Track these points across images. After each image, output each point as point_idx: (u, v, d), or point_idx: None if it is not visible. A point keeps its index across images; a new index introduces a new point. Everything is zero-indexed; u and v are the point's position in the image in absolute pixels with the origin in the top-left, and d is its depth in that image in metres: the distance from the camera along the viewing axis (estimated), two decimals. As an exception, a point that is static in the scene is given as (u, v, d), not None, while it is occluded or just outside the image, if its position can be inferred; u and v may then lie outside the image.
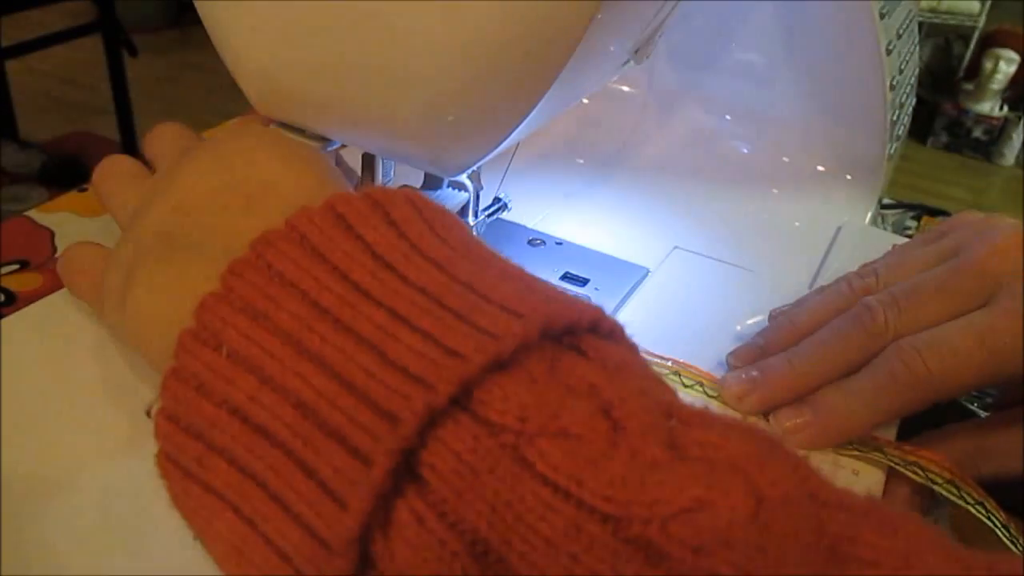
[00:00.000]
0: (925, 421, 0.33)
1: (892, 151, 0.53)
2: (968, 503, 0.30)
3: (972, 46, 2.88)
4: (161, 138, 0.33)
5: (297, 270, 0.21)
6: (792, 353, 0.34)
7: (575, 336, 0.20)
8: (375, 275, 0.20)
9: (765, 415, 0.34)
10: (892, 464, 0.32)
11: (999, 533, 0.30)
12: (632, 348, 0.22)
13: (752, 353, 0.36)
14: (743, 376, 0.34)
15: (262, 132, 0.30)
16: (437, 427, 0.18)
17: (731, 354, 0.36)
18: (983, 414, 0.39)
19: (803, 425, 0.32)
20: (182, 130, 0.34)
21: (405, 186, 0.25)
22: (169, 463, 0.21)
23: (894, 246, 0.40)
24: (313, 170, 0.27)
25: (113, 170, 0.33)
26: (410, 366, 0.18)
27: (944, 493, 0.31)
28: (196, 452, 0.20)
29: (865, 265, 0.38)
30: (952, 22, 2.81)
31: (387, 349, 0.19)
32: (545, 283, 0.22)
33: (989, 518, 0.30)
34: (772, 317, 0.38)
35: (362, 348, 0.19)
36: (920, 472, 0.31)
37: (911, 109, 0.56)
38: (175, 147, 0.32)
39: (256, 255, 0.21)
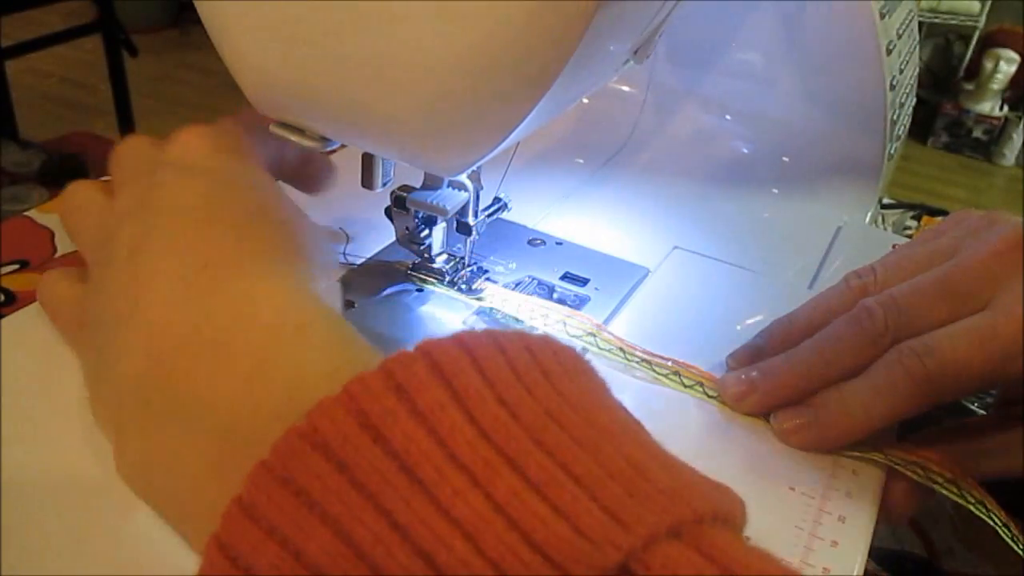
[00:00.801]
0: (924, 419, 0.33)
1: (892, 151, 0.53)
2: (969, 502, 0.30)
3: (972, 46, 2.88)
4: (123, 158, 0.32)
5: (325, 491, 0.18)
6: (792, 354, 0.34)
7: None
8: (408, 502, 0.18)
9: (765, 416, 0.34)
10: (892, 464, 0.32)
11: (1000, 532, 0.30)
12: (698, 524, 0.18)
13: (751, 354, 0.36)
14: (743, 377, 0.34)
15: (221, 208, 0.28)
16: None
17: (730, 356, 0.36)
18: (983, 413, 0.39)
19: (803, 426, 0.32)
20: (146, 147, 0.32)
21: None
22: None
23: (894, 246, 0.40)
24: (277, 281, 0.25)
25: (75, 202, 0.32)
26: None
27: (945, 493, 0.31)
28: None
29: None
30: (952, 22, 2.81)
31: None
32: (598, 470, 0.19)
33: (990, 517, 0.30)
34: (773, 322, 0.38)
35: None
36: (921, 472, 0.31)
37: (911, 109, 0.56)
38: (136, 168, 0.30)
39: (280, 463, 0.19)
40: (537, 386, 0.20)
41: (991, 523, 0.30)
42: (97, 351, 0.27)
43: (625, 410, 0.22)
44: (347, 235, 0.42)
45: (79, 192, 0.32)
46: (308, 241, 0.29)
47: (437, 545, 0.17)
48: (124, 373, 0.25)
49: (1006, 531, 0.30)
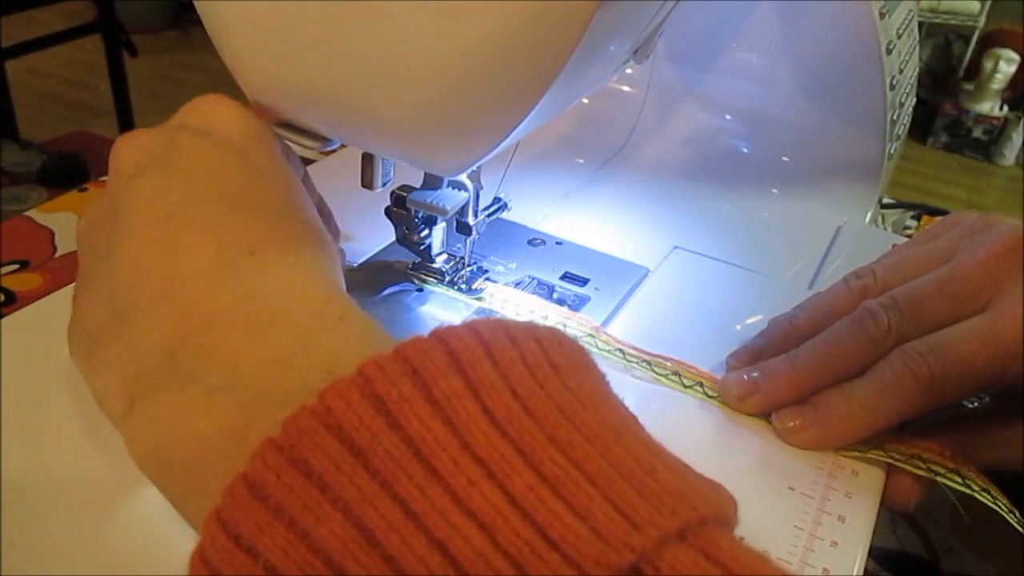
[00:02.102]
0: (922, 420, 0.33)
1: (892, 151, 0.53)
2: (974, 490, 0.30)
3: (972, 46, 2.88)
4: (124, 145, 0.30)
5: (338, 474, 0.18)
6: (794, 355, 0.34)
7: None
8: (423, 490, 0.18)
9: (765, 416, 0.34)
10: (893, 461, 0.32)
11: (1008, 519, 0.30)
12: (703, 526, 0.18)
13: (751, 354, 0.36)
14: (744, 377, 0.34)
15: (257, 199, 0.27)
16: None
17: (730, 355, 0.36)
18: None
19: (805, 426, 0.32)
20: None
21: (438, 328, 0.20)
22: None
23: (893, 246, 0.40)
24: (319, 274, 0.26)
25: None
26: None
27: (948, 483, 0.31)
28: None
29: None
30: (952, 22, 2.81)
31: None
32: (609, 470, 0.19)
33: (996, 503, 0.30)
34: (771, 321, 0.38)
35: None
36: (922, 464, 0.31)
37: (911, 109, 0.56)
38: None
39: (290, 443, 0.19)
40: (548, 381, 0.20)
41: (998, 509, 0.30)
42: (113, 316, 0.26)
43: (624, 405, 0.22)
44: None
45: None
46: (329, 238, 0.29)
47: (452, 535, 0.17)
48: (149, 339, 0.24)
49: (1013, 516, 0.30)
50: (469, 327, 0.20)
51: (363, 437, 0.18)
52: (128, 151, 0.29)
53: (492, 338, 0.20)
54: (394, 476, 0.18)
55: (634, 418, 0.22)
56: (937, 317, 0.32)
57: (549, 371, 0.21)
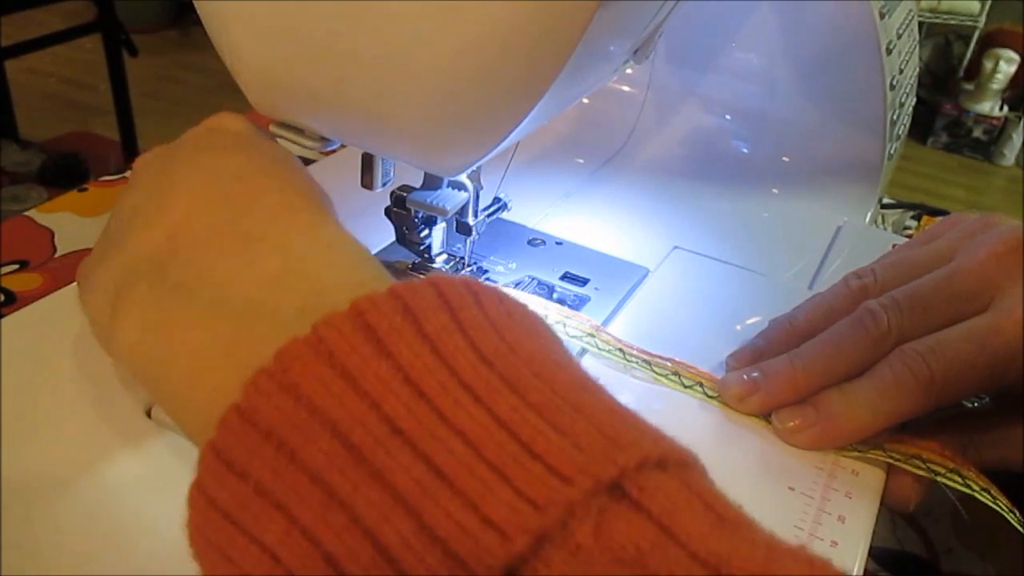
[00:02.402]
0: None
1: (892, 151, 0.53)
2: (974, 490, 0.30)
3: (972, 46, 2.88)
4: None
5: (327, 396, 0.19)
6: (794, 355, 0.34)
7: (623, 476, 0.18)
8: (411, 409, 0.18)
9: (765, 417, 0.34)
10: (893, 461, 0.32)
11: (1008, 518, 0.30)
12: (683, 466, 0.19)
13: (751, 354, 0.36)
14: (744, 377, 0.34)
15: (253, 149, 0.29)
16: None
17: (730, 355, 0.36)
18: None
19: (806, 426, 0.32)
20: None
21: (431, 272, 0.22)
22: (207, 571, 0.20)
23: (894, 246, 0.40)
24: (309, 204, 0.27)
25: None
26: (450, 540, 0.17)
27: (948, 483, 0.31)
28: (230, 573, 0.19)
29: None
30: (952, 22, 2.81)
31: (424, 511, 0.17)
32: (593, 402, 0.20)
33: (996, 503, 0.30)
34: (771, 321, 0.38)
35: (398, 509, 0.17)
36: (922, 464, 0.31)
37: (911, 109, 0.56)
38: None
39: (282, 369, 0.19)
40: (532, 331, 0.21)
41: (998, 509, 0.30)
42: (108, 243, 0.27)
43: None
44: None
45: None
46: (326, 196, 0.30)
47: (438, 448, 0.18)
48: (139, 248, 0.26)
49: (1014, 516, 0.30)
50: (460, 278, 0.22)
51: (353, 362, 0.19)
52: (143, 157, 0.31)
53: (480, 290, 0.21)
54: (383, 397, 0.19)
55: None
56: (937, 317, 0.32)
57: (532, 325, 0.22)
